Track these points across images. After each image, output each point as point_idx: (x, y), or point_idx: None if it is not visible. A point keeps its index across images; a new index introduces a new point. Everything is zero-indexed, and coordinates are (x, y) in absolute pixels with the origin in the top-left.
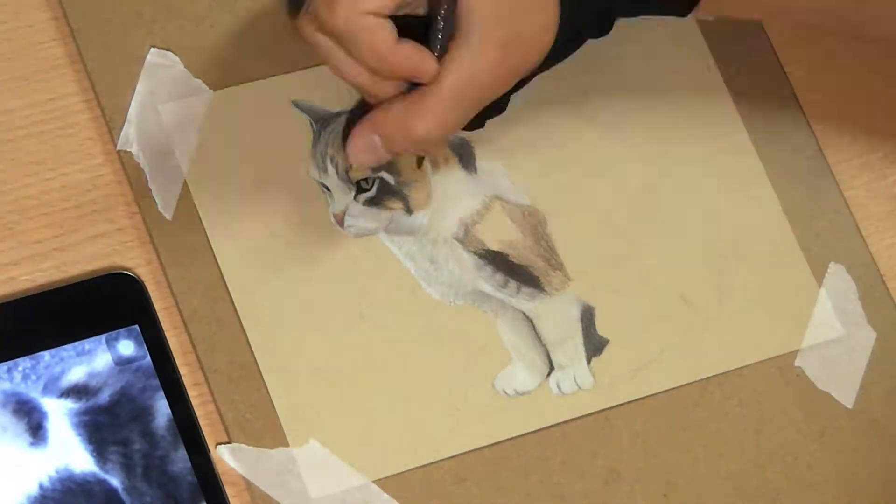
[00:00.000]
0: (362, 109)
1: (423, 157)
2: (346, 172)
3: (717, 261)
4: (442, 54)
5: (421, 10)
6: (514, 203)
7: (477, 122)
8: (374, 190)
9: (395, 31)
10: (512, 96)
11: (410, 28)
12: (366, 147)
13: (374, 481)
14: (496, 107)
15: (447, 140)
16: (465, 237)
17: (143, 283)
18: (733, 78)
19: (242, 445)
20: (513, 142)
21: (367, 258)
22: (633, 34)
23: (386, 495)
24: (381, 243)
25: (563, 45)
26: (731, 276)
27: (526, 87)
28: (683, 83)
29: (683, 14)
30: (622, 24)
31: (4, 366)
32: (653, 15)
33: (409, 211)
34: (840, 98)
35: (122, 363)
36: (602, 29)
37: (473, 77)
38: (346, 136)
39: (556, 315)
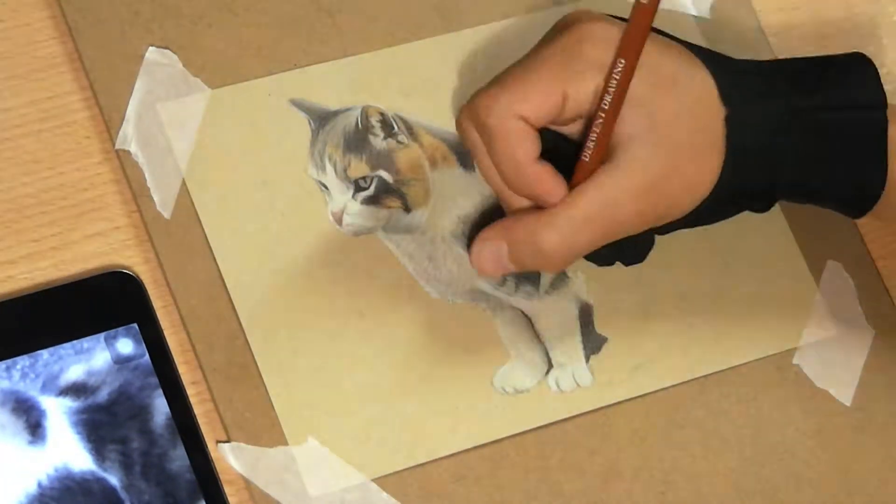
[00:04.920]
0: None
1: None
2: (345, 171)
3: (715, 259)
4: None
5: (568, 132)
6: None
7: (607, 261)
8: (372, 188)
9: (538, 148)
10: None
11: (557, 151)
12: (491, 255)
13: (372, 480)
14: (632, 254)
15: (568, 265)
16: (464, 235)
17: (141, 281)
18: None
19: (241, 444)
20: None
21: (365, 256)
22: None
23: (385, 493)
24: (380, 242)
25: (719, 208)
26: (729, 274)
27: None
28: None
29: (855, 217)
30: None
31: (3, 364)
32: (821, 206)
33: (407, 209)
34: None
35: (121, 361)
36: (762, 206)
37: (610, 204)
38: (471, 240)
39: (555, 313)
